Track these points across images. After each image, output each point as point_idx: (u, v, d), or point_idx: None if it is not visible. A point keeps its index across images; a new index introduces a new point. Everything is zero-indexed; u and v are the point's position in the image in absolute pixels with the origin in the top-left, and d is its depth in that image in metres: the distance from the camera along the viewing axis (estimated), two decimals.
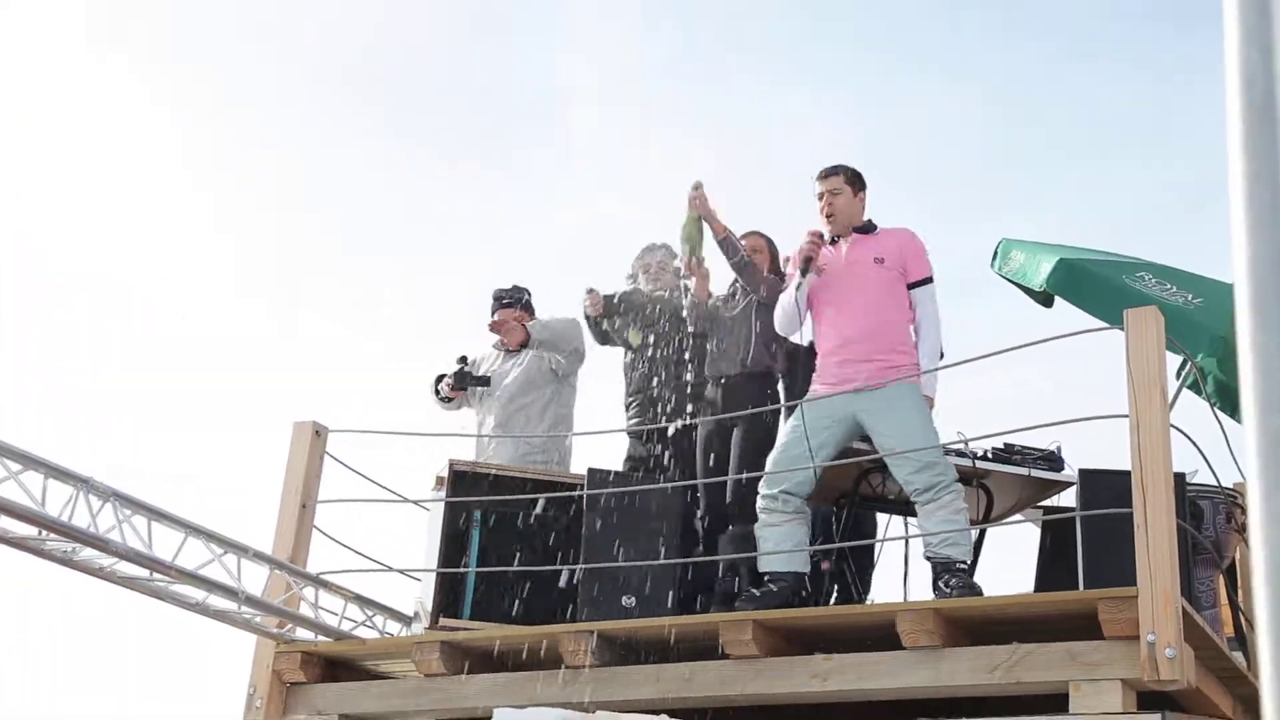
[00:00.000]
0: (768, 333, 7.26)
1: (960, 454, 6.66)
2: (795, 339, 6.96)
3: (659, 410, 7.78)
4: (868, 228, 6.93)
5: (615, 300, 8.12)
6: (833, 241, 6.91)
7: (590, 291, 8.08)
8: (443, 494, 7.07)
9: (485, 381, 8.16)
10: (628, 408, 8.03)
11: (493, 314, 8.33)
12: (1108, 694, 5.23)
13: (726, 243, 7.22)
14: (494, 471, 7.12)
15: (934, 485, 6.31)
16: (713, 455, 7.38)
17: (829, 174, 7.01)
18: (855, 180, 7.00)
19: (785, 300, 6.87)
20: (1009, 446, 6.79)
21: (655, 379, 7.84)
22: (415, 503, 7.45)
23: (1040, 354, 5.89)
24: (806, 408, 6.58)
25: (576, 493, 6.88)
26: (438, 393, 8.33)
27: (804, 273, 6.78)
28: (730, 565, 7.09)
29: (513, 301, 8.36)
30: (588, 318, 8.18)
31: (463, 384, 8.21)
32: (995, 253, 8.52)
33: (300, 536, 6.95)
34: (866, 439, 6.63)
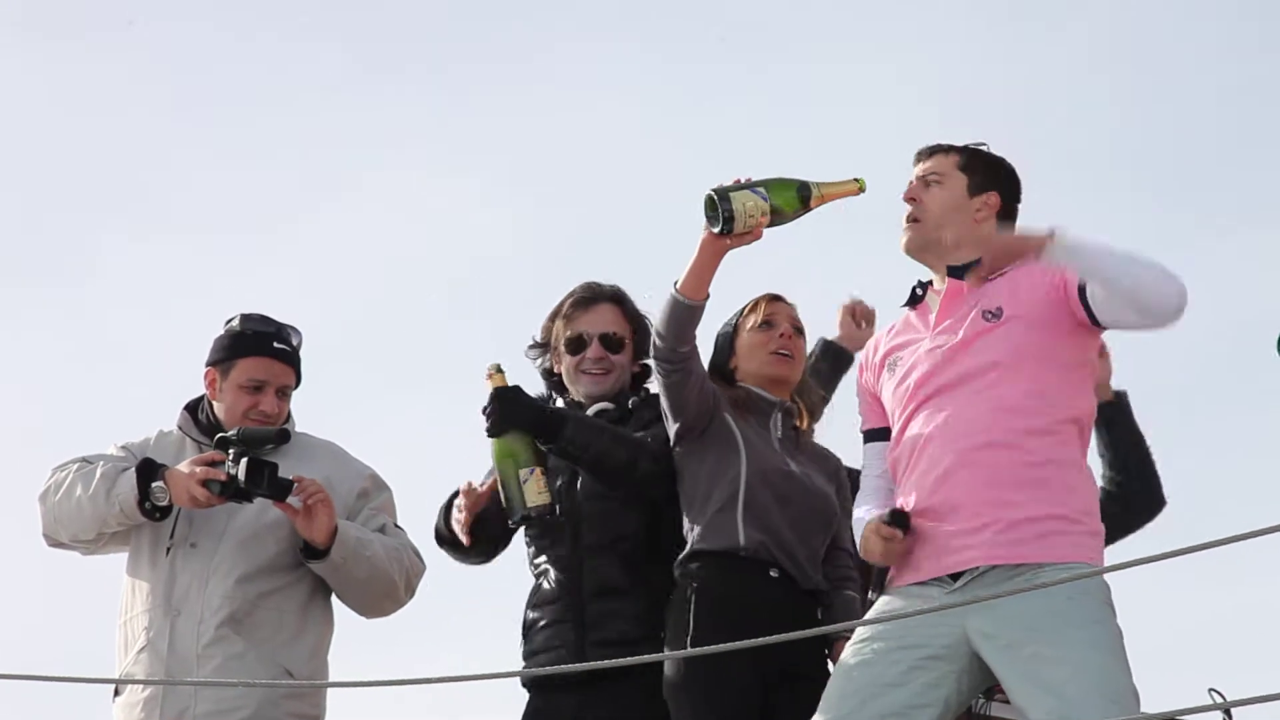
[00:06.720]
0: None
1: None
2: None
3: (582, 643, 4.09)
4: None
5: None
6: (915, 297, 3.81)
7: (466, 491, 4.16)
8: None
9: (283, 490, 4.02)
10: (531, 630, 4.29)
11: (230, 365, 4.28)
12: None
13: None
14: None
15: None
16: None
17: (932, 152, 3.80)
18: (981, 169, 3.78)
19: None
20: None
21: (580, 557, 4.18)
22: None
23: None
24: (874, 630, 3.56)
25: None
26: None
27: None
28: None
29: (293, 352, 4.37)
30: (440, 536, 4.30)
31: (250, 486, 3.98)
32: None
33: None
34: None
